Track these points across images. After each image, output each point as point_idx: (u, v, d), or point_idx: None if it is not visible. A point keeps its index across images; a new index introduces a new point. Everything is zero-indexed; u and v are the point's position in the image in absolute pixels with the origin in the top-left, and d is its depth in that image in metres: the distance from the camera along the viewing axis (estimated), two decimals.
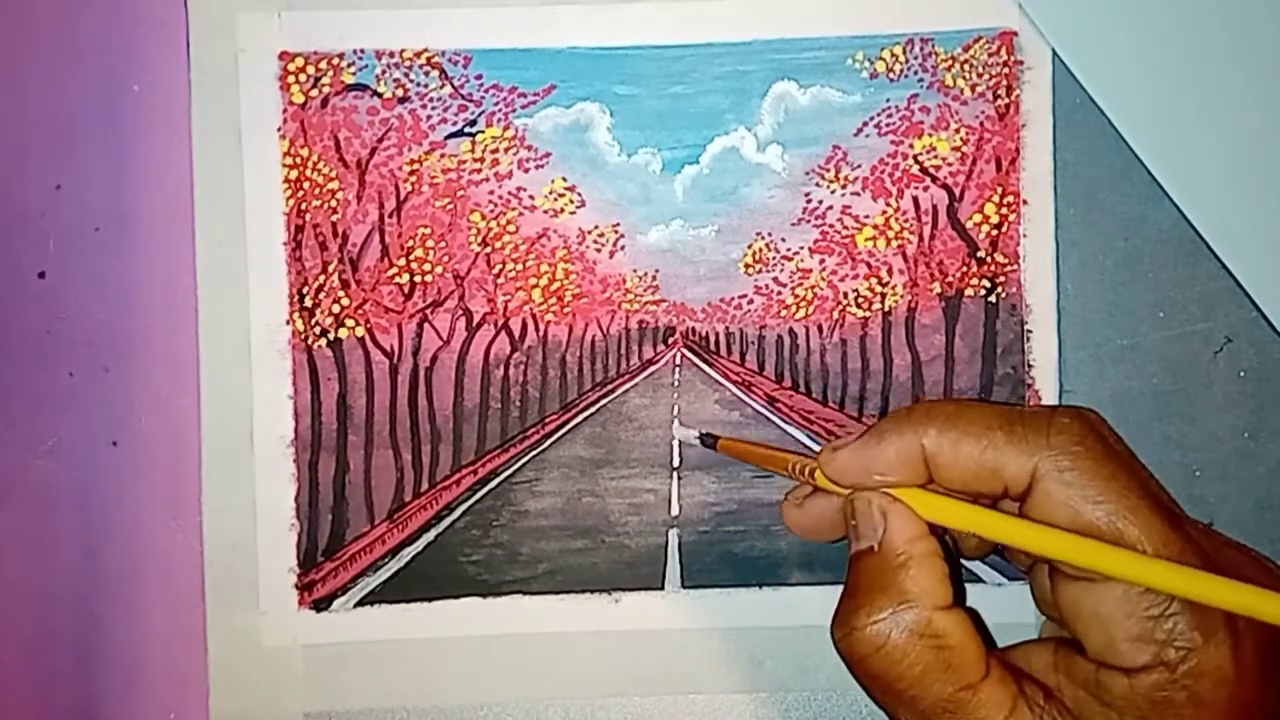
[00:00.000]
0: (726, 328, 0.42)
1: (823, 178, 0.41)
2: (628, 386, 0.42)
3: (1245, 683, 0.27)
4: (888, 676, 0.29)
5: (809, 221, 0.41)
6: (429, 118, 0.41)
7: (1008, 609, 0.39)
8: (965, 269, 0.41)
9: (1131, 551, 0.28)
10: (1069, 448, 0.29)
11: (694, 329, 0.42)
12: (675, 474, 0.41)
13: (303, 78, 0.40)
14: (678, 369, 0.42)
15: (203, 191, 0.40)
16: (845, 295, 0.41)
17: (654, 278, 0.41)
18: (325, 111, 0.41)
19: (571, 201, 0.41)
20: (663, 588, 0.41)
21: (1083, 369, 0.40)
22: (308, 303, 0.41)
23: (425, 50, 0.41)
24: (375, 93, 0.41)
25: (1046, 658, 0.30)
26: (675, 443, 0.41)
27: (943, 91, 0.41)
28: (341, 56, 0.40)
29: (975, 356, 0.41)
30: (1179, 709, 0.27)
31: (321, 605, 0.40)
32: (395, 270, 0.41)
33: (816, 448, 0.33)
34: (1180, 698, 0.27)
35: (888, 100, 0.41)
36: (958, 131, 0.41)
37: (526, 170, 0.41)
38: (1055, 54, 0.40)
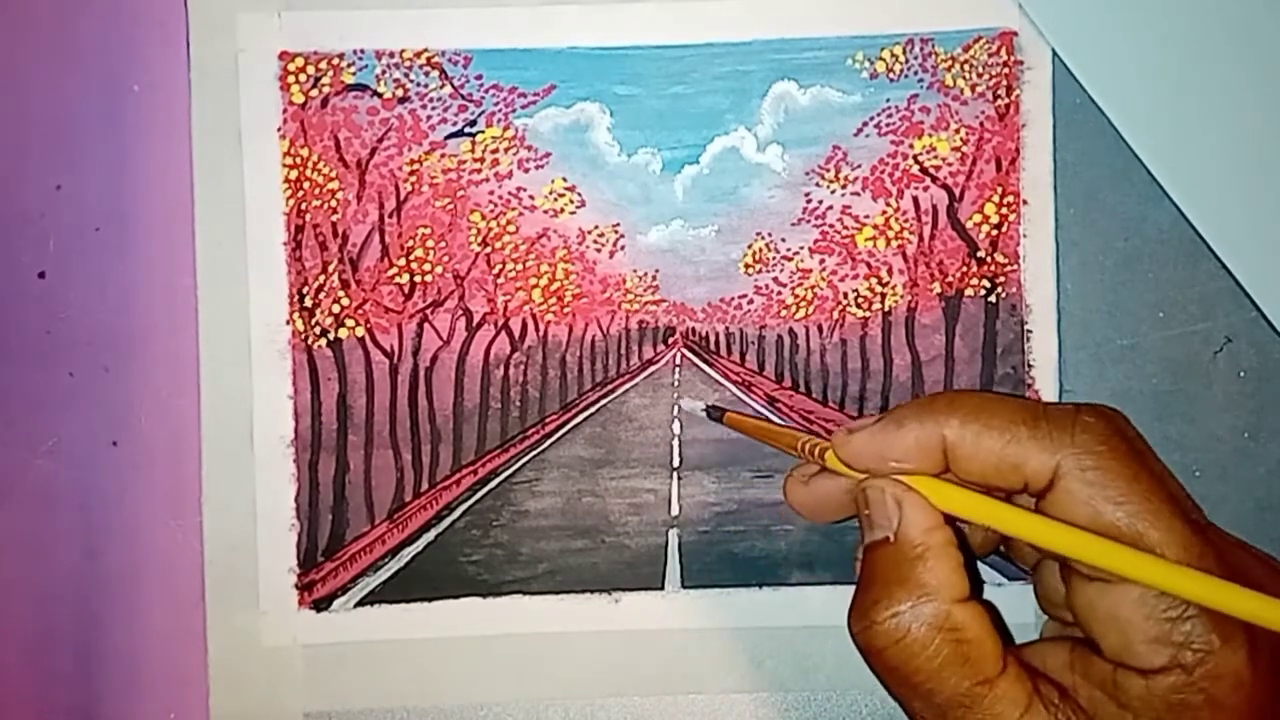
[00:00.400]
0: (726, 328, 0.42)
1: (823, 178, 0.41)
2: (628, 386, 0.42)
3: (1262, 686, 0.27)
4: (905, 669, 0.29)
5: (809, 221, 0.41)
6: (429, 118, 0.41)
7: (1008, 609, 0.38)
8: (965, 269, 0.41)
9: (1152, 556, 0.28)
10: (1093, 447, 0.29)
11: (694, 329, 0.42)
12: (675, 474, 0.41)
13: (303, 78, 0.40)
14: (678, 369, 0.42)
15: (203, 191, 0.40)
16: (845, 295, 0.41)
17: (654, 278, 0.41)
18: (325, 111, 0.41)
19: (571, 201, 0.41)
20: (663, 588, 0.40)
21: (1083, 369, 0.40)
22: (308, 303, 0.41)
23: (425, 50, 0.41)
24: (375, 93, 0.41)
25: (1062, 657, 0.30)
26: (675, 442, 0.41)
27: (943, 91, 0.41)
28: (341, 56, 0.40)
29: (975, 356, 0.41)
30: (1196, 711, 0.27)
31: (321, 605, 0.40)
32: (395, 270, 0.41)
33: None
34: (1197, 700, 0.27)
35: (888, 100, 0.41)
36: (958, 131, 0.41)
37: (526, 170, 0.41)
38: (1055, 54, 0.40)
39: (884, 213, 0.41)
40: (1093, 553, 0.28)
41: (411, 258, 0.41)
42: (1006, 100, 0.40)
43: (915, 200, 0.41)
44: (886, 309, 0.41)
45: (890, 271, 0.41)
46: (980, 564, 0.40)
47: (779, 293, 0.41)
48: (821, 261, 0.41)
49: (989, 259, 0.41)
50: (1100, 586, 0.29)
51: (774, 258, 0.41)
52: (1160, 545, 0.28)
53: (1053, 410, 0.30)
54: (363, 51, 0.40)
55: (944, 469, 0.31)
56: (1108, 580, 0.28)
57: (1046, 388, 0.40)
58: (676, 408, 0.42)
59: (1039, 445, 0.29)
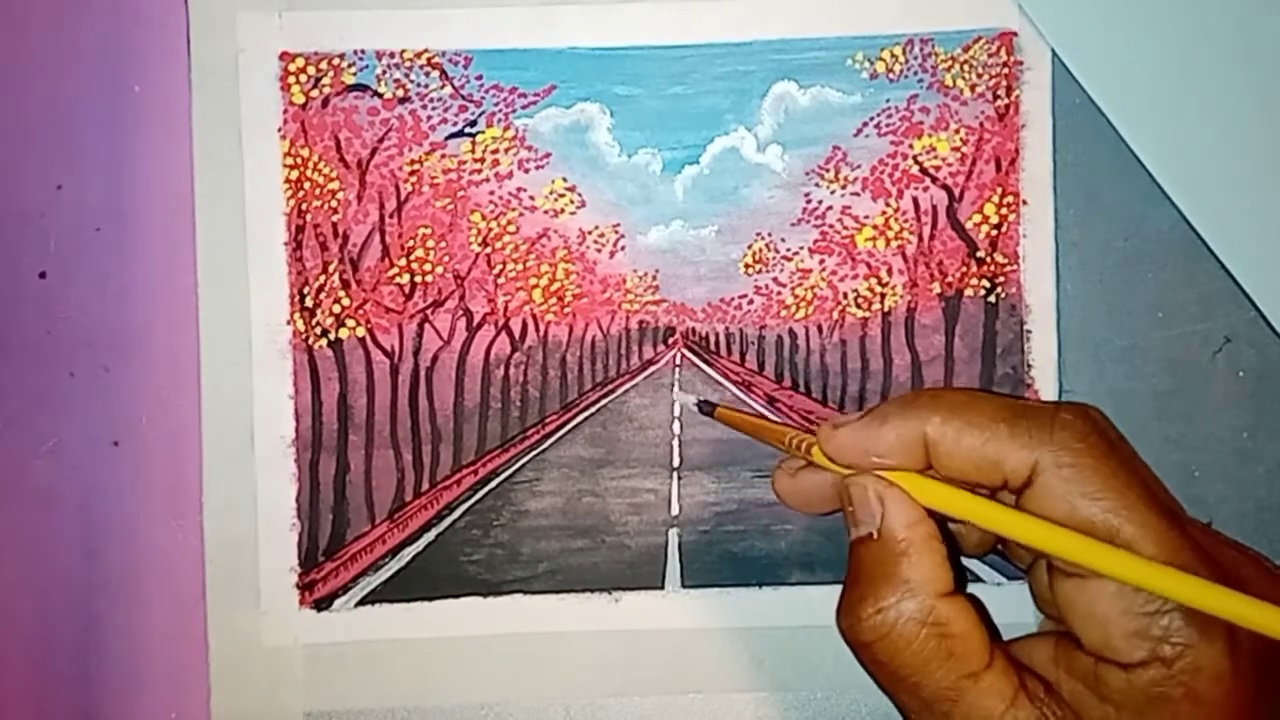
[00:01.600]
0: (726, 328, 0.42)
1: (823, 178, 0.41)
2: (628, 386, 0.42)
3: (1242, 680, 0.27)
4: (892, 664, 0.29)
5: (809, 221, 0.41)
6: (429, 118, 0.41)
7: (1007, 608, 0.38)
8: (965, 269, 0.41)
9: (1123, 551, 0.28)
10: (1071, 444, 0.29)
11: (694, 329, 0.42)
12: (675, 474, 0.41)
13: (303, 78, 0.40)
14: (678, 369, 0.42)
15: (203, 191, 0.40)
16: (845, 295, 0.41)
17: (654, 278, 0.41)
18: (326, 112, 0.41)
19: (572, 202, 0.41)
20: (663, 587, 0.41)
21: (1083, 369, 0.40)
22: (308, 303, 0.41)
23: (425, 50, 0.41)
24: (376, 93, 0.41)
25: (1047, 651, 0.30)
26: (675, 442, 0.41)
27: (943, 92, 0.41)
28: (342, 57, 0.40)
29: (975, 356, 0.41)
30: (1175, 705, 0.27)
31: (322, 605, 0.40)
32: (396, 270, 0.41)
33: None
34: (1177, 694, 0.27)
35: (888, 100, 0.41)
36: (957, 132, 0.41)
37: (527, 170, 0.41)
38: (1055, 54, 0.40)
39: (884, 213, 0.41)
40: (1067, 547, 0.28)
41: (412, 258, 0.41)
42: (1006, 100, 0.40)
43: (915, 200, 0.41)
44: (886, 309, 0.41)
45: (890, 271, 0.41)
46: (980, 563, 0.40)
47: (779, 293, 0.41)
48: (821, 261, 0.41)
49: (989, 259, 0.41)
50: (1078, 582, 0.29)
51: (774, 258, 0.41)
52: (1134, 540, 0.28)
53: (1033, 408, 0.30)
54: (363, 52, 0.41)
55: (927, 465, 0.31)
56: (1085, 575, 0.28)
57: (1046, 388, 0.40)
58: (676, 408, 0.42)
59: (1018, 443, 0.29)
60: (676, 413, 0.42)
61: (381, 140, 0.41)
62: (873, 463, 0.31)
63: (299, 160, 0.40)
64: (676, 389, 0.41)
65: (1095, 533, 0.28)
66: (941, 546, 0.30)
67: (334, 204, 0.41)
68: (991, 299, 0.41)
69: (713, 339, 0.42)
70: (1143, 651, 0.28)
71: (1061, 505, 0.29)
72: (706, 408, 0.39)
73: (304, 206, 0.41)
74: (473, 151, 0.41)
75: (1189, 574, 0.27)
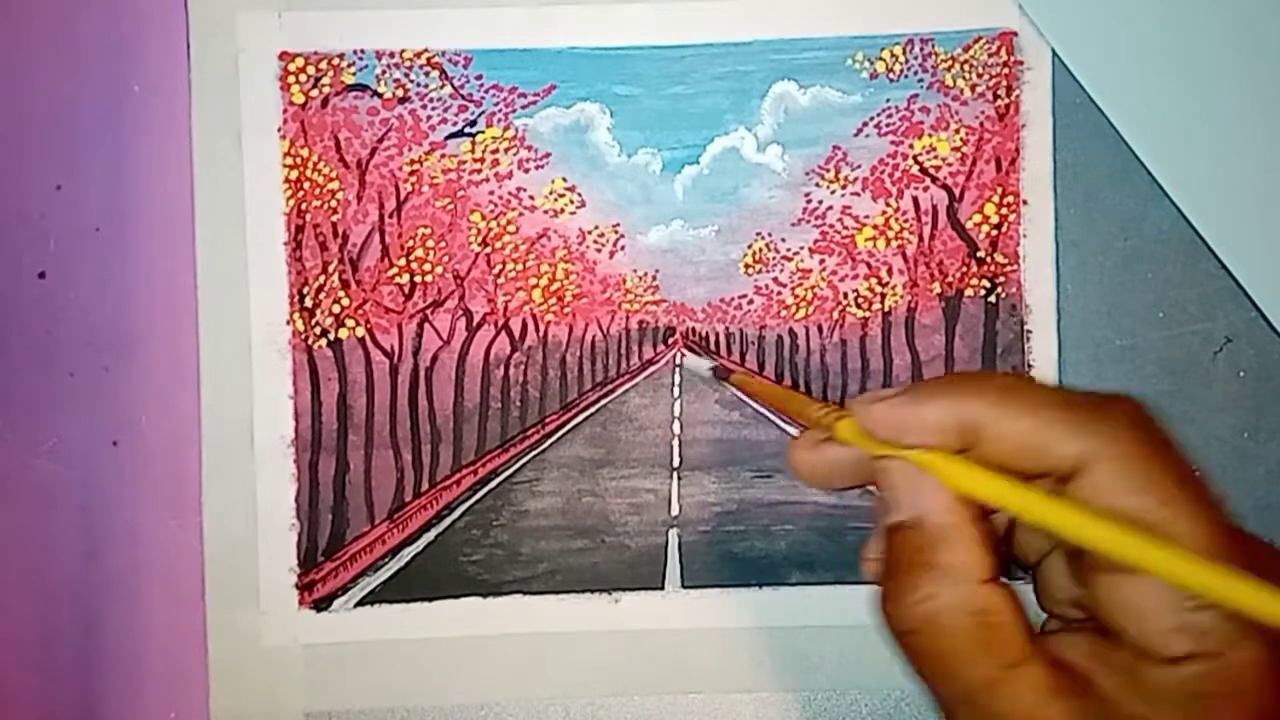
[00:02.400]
0: (726, 328, 0.42)
1: (823, 178, 0.41)
2: (628, 386, 0.42)
3: None
4: (933, 653, 0.29)
5: (809, 221, 0.41)
6: (429, 118, 0.41)
7: None
8: (965, 269, 0.41)
9: (1179, 550, 0.27)
10: (1123, 434, 0.28)
11: (694, 329, 0.42)
12: (675, 474, 0.41)
13: (303, 78, 0.40)
14: (678, 369, 0.42)
15: (203, 191, 0.40)
16: (845, 295, 0.41)
17: (654, 278, 0.41)
18: (325, 112, 0.41)
19: (571, 202, 0.41)
20: (663, 588, 0.41)
21: (1083, 369, 0.40)
22: (308, 303, 0.41)
23: (425, 50, 0.41)
24: (375, 93, 0.41)
25: (1083, 646, 0.30)
26: (675, 442, 0.41)
27: (943, 91, 0.41)
28: (342, 57, 0.40)
29: (975, 356, 0.41)
30: (1216, 701, 0.27)
31: (322, 605, 0.40)
32: (395, 270, 0.41)
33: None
34: (1218, 691, 0.27)
35: (888, 100, 0.41)
36: (958, 132, 0.41)
37: (526, 170, 0.41)
38: (1055, 54, 0.40)
39: (884, 213, 0.41)
40: (1115, 542, 0.28)
41: (411, 258, 0.41)
42: (1006, 100, 0.40)
43: (915, 200, 0.41)
44: (886, 309, 0.41)
45: (890, 271, 0.41)
46: None
47: (779, 293, 0.41)
48: (821, 261, 0.41)
49: (989, 259, 0.41)
50: (1118, 576, 0.28)
51: (774, 258, 0.41)
52: (1184, 537, 0.27)
53: (1081, 397, 0.29)
54: (363, 51, 0.41)
55: (960, 449, 0.30)
56: (1127, 570, 0.28)
57: None
58: (676, 408, 0.42)
59: (1069, 431, 0.28)
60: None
61: (381, 140, 0.41)
62: (907, 442, 0.30)
63: (299, 160, 0.40)
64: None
65: (1146, 528, 0.27)
66: (981, 529, 0.29)
67: (334, 204, 0.41)
68: (991, 299, 0.41)
69: (713, 339, 0.42)
70: (1184, 647, 0.27)
71: (1110, 497, 0.28)
72: (721, 373, 0.38)
73: (304, 206, 0.41)
74: (472, 151, 0.41)
75: (1245, 576, 0.27)
